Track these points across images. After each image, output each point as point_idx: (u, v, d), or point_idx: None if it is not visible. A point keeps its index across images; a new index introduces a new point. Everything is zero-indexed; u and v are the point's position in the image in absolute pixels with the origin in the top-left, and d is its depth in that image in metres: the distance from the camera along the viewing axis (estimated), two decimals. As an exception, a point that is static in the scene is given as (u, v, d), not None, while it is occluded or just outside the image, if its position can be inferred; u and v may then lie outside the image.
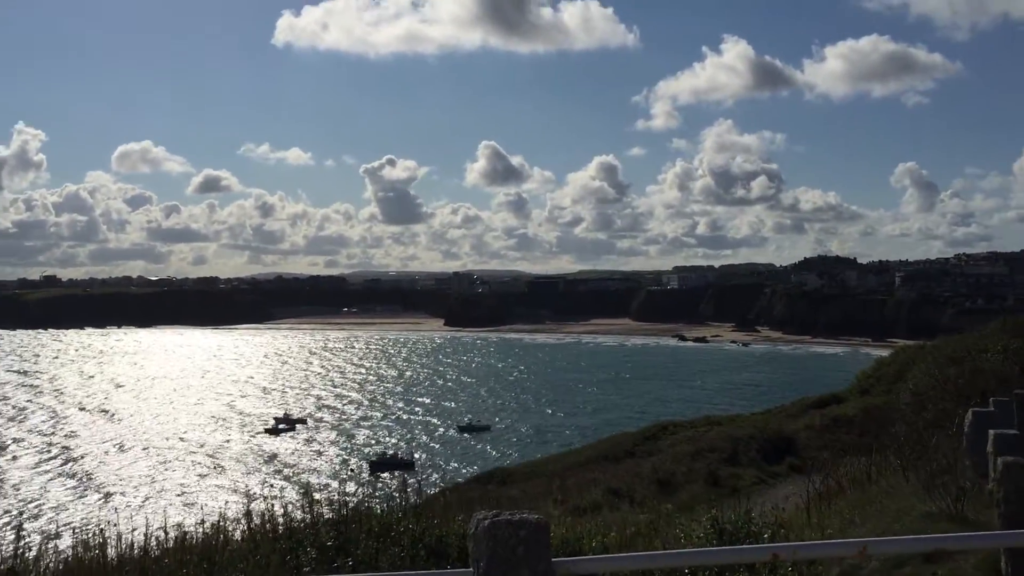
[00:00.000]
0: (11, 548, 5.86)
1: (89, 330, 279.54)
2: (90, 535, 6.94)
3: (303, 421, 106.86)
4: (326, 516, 7.81)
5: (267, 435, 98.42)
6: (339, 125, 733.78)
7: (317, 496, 8.58)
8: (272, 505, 8.19)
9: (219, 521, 7.79)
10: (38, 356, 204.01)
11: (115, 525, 7.41)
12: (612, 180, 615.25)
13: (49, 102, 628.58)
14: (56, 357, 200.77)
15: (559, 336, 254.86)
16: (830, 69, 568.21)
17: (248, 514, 8.07)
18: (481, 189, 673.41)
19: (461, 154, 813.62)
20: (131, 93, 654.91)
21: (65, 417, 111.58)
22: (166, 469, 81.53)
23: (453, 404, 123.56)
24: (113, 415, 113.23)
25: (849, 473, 10.88)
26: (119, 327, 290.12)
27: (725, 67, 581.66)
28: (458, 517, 7.70)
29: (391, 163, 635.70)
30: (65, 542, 7.58)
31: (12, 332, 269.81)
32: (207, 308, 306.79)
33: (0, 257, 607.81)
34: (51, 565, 6.78)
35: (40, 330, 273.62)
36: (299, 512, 8.39)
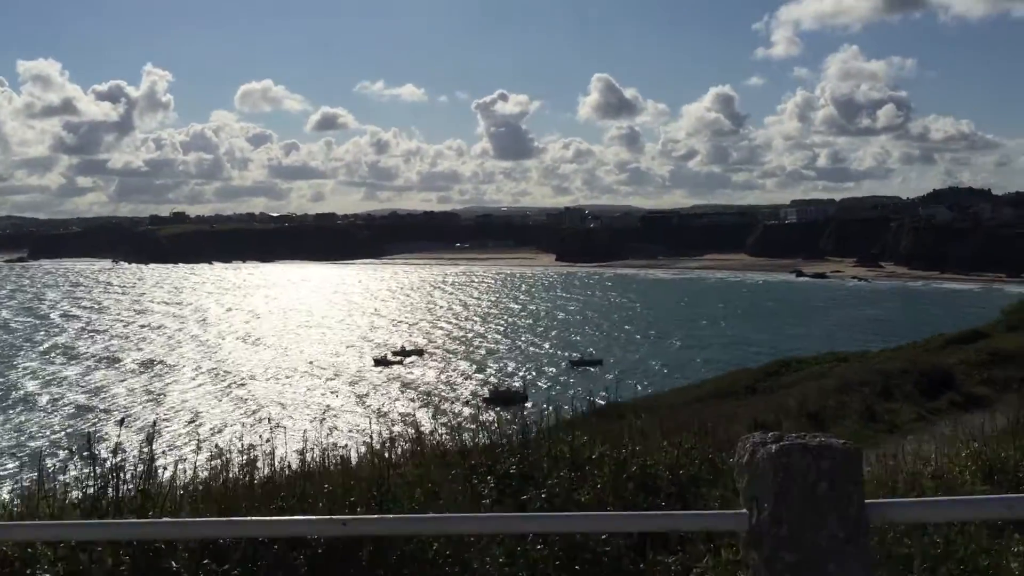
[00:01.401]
0: (144, 467, 5.72)
1: (216, 264, 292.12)
2: (236, 454, 6.76)
3: (420, 353, 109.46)
4: (483, 442, 7.25)
5: (386, 365, 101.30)
6: (452, 61, 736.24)
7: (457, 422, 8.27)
8: (434, 428, 7.84)
9: (385, 442, 7.34)
10: (180, 289, 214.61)
11: (268, 442, 7.20)
12: (728, 111, 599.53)
13: (176, 44, 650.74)
14: (194, 289, 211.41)
15: (674, 272, 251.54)
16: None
17: (418, 436, 7.77)
18: (593, 123, 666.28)
19: (573, 87, 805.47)
20: (252, 34, 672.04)
21: (216, 345, 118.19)
22: (308, 391, 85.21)
23: (570, 338, 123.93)
24: (257, 342, 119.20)
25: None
26: (243, 261, 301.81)
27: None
28: (663, 443, 6.65)
29: (503, 98, 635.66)
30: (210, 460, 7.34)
31: (147, 266, 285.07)
32: (325, 243, 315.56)
33: (133, 194, 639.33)
34: (190, 486, 6.36)
35: (171, 264, 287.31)
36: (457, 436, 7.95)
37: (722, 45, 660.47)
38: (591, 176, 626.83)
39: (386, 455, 6.78)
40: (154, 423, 8.22)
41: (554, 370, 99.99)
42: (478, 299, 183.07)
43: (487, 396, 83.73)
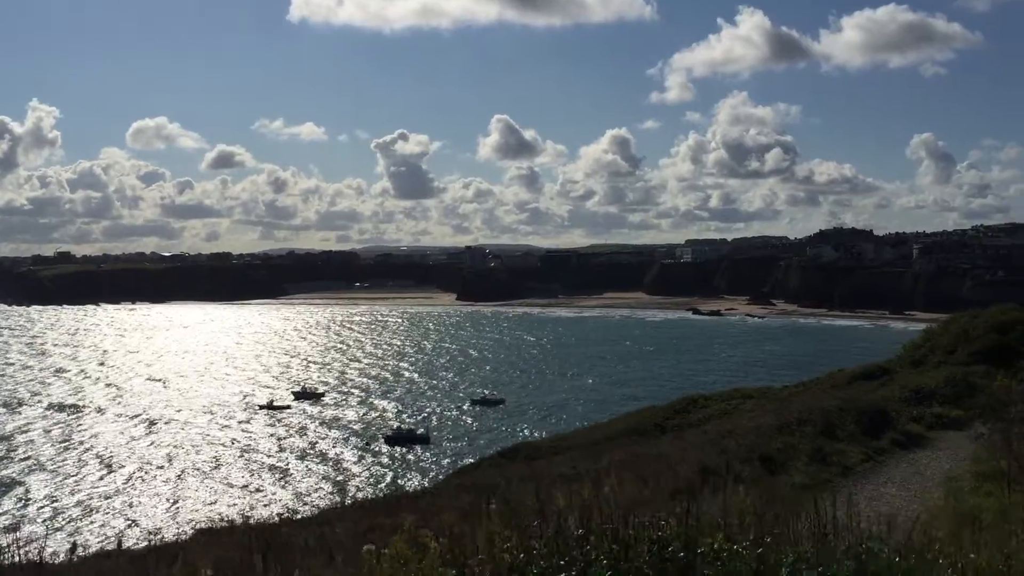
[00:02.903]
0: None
1: (104, 306, 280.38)
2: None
3: (319, 395, 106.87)
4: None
5: (284, 409, 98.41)
6: (352, 100, 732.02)
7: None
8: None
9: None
10: (75, 331, 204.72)
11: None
12: (625, 153, 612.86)
13: (64, 79, 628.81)
14: (88, 330, 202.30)
15: (574, 310, 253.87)
16: (847, 40, 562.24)
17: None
18: (493, 163, 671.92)
19: (474, 128, 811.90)
20: (146, 69, 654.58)
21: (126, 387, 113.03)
22: (201, 438, 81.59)
23: (475, 377, 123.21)
24: (142, 388, 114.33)
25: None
26: (133, 303, 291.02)
27: (741, 38, 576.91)
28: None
29: (403, 138, 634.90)
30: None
31: (27, 308, 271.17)
32: (220, 284, 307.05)
33: (15, 234, 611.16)
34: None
35: (54, 306, 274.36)
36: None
37: (618, 89, 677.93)
38: (491, 216, 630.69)
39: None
40: None
41: (457, 410, 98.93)
42: (382, 339, 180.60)
43: (388, 436, 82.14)
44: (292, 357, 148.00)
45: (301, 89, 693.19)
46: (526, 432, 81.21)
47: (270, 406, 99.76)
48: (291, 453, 77.75)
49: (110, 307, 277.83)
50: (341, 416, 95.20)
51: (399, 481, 64.95)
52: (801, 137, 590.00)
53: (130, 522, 56.53)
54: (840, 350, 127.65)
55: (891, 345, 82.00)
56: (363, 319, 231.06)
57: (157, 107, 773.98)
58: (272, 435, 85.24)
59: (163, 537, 41.36)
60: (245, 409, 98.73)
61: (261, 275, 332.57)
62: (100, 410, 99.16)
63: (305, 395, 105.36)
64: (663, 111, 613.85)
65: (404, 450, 77.70)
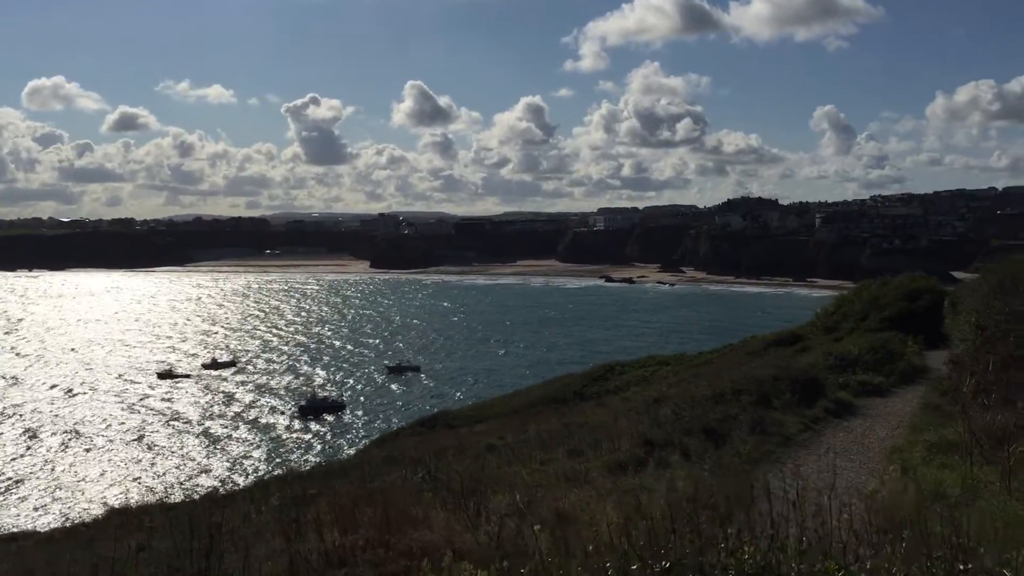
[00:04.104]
0: None
1: (2, 272, 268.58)
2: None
3: (232, 364, 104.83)
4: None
5: (194, 377, 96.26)
6: (263, 62, 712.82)
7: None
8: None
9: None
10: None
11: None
12: (539, 121, 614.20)
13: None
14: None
15: (489, 278, 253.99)
16: (756, 12, 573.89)
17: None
18: (407, 130, 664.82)
19: (387, 94, 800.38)
20: (42, 25, 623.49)
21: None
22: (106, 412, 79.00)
23: (388, 346, 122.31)
24: (48, 357, 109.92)
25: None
26: (30, 270, 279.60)
27: (653, 8, 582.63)
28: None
29: (315, 102, 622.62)
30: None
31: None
32: (123, 251, 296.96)
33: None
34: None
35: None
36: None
37: (533, 56, 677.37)
38: (404, 183, 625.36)
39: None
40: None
41: (372, 377, 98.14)
42: (302, 307, 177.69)
43: (302, 405, 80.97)
44: (213, 325, 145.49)
45: (209, 50, 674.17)
46: (445, 400, 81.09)
47: (177, 375, 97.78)
48: (208, 423, 76.04)
49: (9, 275, 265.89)
50: (257, 384, 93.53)
51: (308, 455, 64.26)
52: (710, 107, 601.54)
53: (42, 501, 54.44)
54: (749, 316, 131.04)
55: (797, 311, 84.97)
56: (279, 287, 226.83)
57: (54, 66, 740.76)
58: (187, 405, 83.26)
59: (75, 517, 40.04)
60: (159, 378, 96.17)
61: (167, 242, 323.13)
62: (16, 380, 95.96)
63: (218, 364, 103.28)
64: (577, 79, 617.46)
65: (319, 419, 76.73)
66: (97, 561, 7.07)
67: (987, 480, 5.99)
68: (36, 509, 52.48)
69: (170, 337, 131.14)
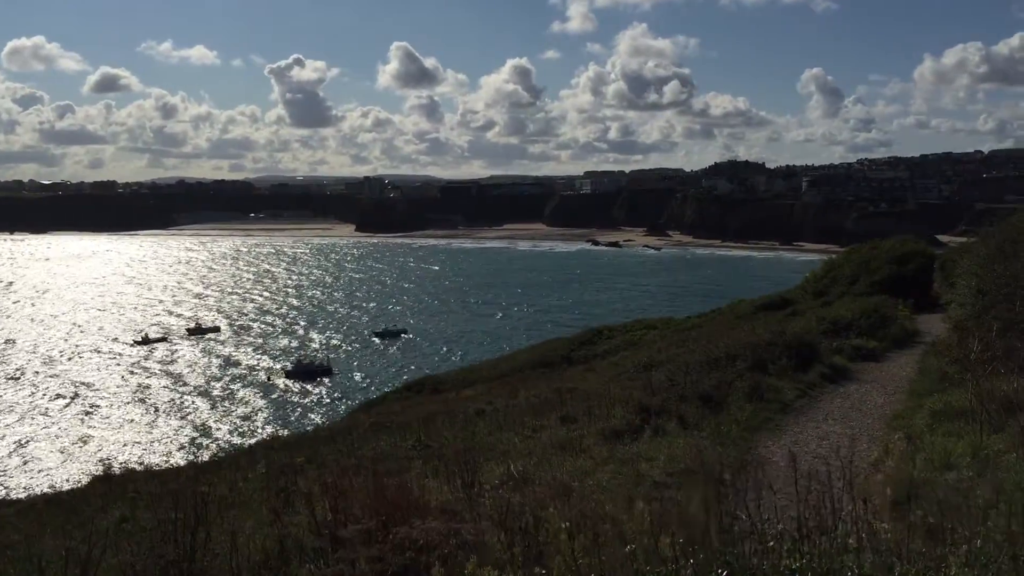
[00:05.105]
0: None
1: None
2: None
3: (217, 329, 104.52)
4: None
5: (180, 341, 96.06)
6: (247, 23, 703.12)
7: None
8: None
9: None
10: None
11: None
12: (526, 84, 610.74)
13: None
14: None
15: (476, 241, 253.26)
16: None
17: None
18: (393, 92, 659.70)
19: (373, 55, 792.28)
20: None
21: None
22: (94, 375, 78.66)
23: (383, 308, 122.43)
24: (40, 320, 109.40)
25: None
26: (11, 232, 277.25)
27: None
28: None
29: (299, 63, 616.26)
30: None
31: None
32: (105, 213, 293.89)
33: None
34: None
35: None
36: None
37: (520, 17, 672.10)
38: (390, 146, 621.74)
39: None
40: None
41: (359, 342, 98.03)
42: (271, 270, 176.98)
43: (289, 370, 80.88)
44: (206, 288, 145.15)
45: (191, 9, 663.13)
46: (433, 362, 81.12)
47: (163, 339, 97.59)
48: (194, 387, 75.90)
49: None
50: (245, 349, 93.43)
51: (294, 417, 64.24)
52: (698, 70, 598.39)
53: (24, 469, 54.18)
54: (736, 280, 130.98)
55: (784, 274, 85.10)
56: (267, 251, 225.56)
57: (34, 26, 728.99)
58: (175, 369, 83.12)
59: (58, 485, 39.80)
60: (136, 344, 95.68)
61: (149, 205, 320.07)
62: (9, 341, 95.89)
63: (202, 330, 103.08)
64: (564, 41, 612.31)
65: (307, 383, 76.61)
66: (78, 535, 6.85)
67: (997, 449, 5.85)
68: (24, 473, 52.30)
69: (166, 301, 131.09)
